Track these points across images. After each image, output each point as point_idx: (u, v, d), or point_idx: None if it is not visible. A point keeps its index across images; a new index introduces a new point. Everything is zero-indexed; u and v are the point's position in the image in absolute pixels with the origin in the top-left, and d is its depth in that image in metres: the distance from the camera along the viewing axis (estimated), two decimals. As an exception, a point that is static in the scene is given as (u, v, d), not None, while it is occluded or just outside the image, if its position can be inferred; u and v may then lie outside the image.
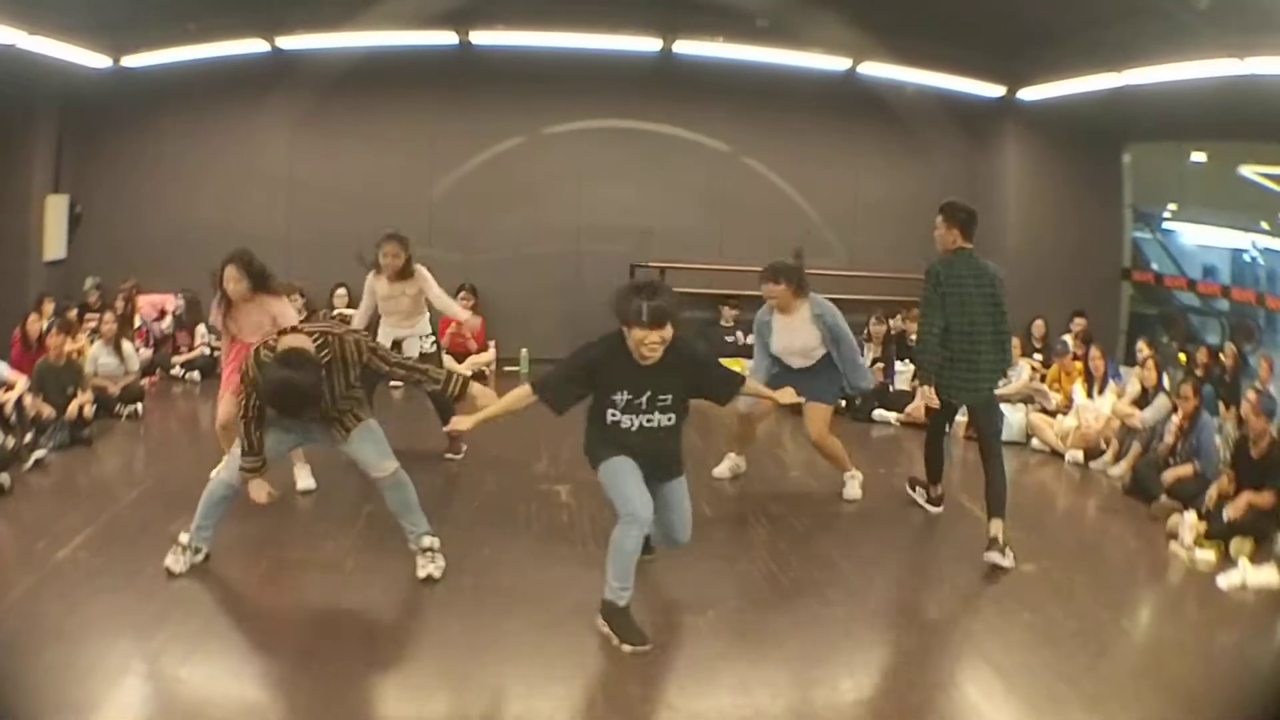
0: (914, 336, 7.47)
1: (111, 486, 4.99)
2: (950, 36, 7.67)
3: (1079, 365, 6.78)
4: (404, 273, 5.24)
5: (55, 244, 8.22)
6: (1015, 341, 7.00)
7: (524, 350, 8.40)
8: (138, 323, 7.77)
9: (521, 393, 3.43)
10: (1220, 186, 8.50)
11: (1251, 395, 4.84)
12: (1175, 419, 5.39)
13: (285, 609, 3.59)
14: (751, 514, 4.74)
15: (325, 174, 8.65)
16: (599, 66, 8.28)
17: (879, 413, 7.11)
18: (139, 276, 7.94)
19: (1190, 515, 4.54)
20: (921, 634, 3.54)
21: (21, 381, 5.51)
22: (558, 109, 8.73)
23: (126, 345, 6.76)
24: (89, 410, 5.73)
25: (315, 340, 3.52)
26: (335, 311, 8.22)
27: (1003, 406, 6.61)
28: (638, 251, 8.73)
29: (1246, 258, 8.57)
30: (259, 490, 3.66)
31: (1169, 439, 5.37)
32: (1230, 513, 4.46)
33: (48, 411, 5.48)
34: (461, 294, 8.17)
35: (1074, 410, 6.34)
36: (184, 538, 3.74)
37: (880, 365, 7.46)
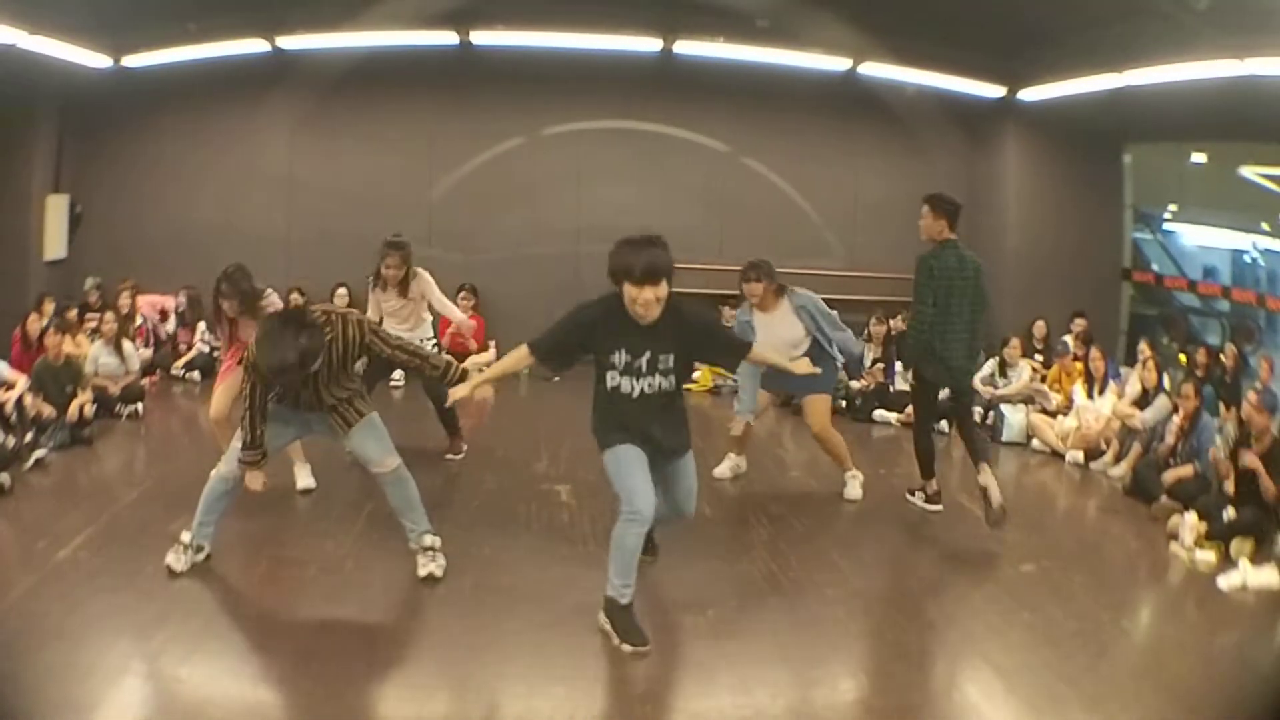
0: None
1: (112, 486, 5.00)
2: (950, 37, 7.67)
3: (1079, 366, 6.78)
4: (405, 283, 5.24)
5: (55, 244, 8.22)
6: (1016, 342, 7.02)
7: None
8: (139, 320, 7.77)
9: (520, 353, 3.35)
10: (1220, 187, 8.50)
11: (1253, 395, 4.83)
12: (1176, 420, 5.39)
13: (285, 608, 3.59)
14: (752, 514, 4.74)
15: (325, 174, 8.65)
16: (599, 67, 8.28)
17: (879, 413, 7.11)
18: (139, 276, 7.94)
19: (1191, 516, 4.54)
20: (922, 634, 3.54)
21: (22, 381, 5.51)
22: (558, 109, 8.73)
23: (127, 345, 6.75)
24: (89, 410, 5.73)
25: (319, 318, 3.51)
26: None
27: (1003, 407, 6.66)
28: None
29: (1247, 258, 8.57)
30: (254, 479, 3.65)
31: (1170, 440, 5.37)
32: (1247, 461, 4.49)
33: (48, 411, 5.48)
34: (461, 294, 8.17)
35: (1074, 411, 6.34)
36: (185, 536, 3.75)
37: (880, 366, 7.46)
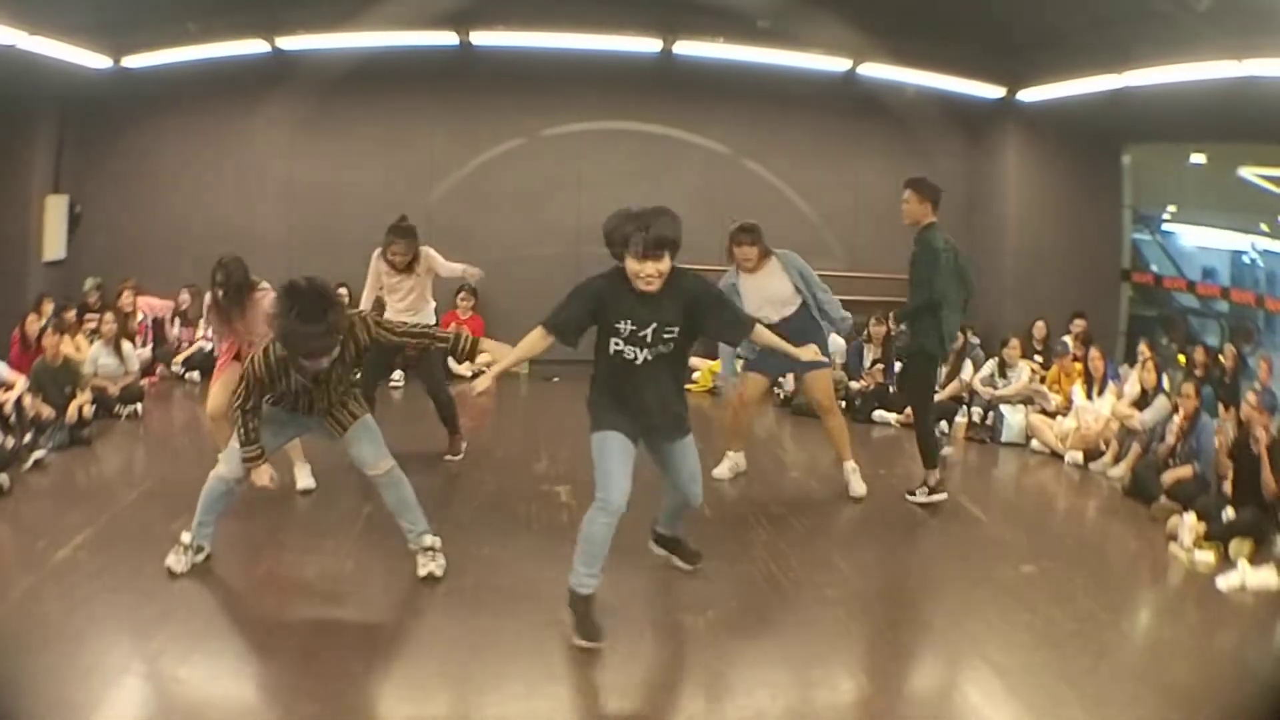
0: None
1: (111, 487, 5.00)
2: (950, 38, 7.67)
3: (1079, 366, 6.78)
4: (411, 266, 5.32)
5: (55, 244, 8.21)
6: (1015, 342, 7.03)
7: (524, 351, 8.40)
8: (139, 317, 7.77)
9: (535, 336, 3.31)
10: (1220, 188, 8.51)
11: (1252, 396, 4.84)
12: (1176, 420, 5.39)
13: (285, 609, 3.59)
14: (752, 514, 4.74)
15: (325, 174, 8.64)
16: (599, 68, 8.28)
17: (879, 414, 7.11)
18: (138, 277, 7.93)
19: (1190, 517, 4.54)
20: (921, 635, 3.55)
21: (21, 382, 5.51)
22: (557, 110, 8.73)
23: (126, 346, 6.75)
24: (88, 410, 5.73)
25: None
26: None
27: (1002, 408, 6.66)
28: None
29: (1246, 259, 8.57)
30: (260, 475, 3.62)
31: (1170, 440, 5.37)
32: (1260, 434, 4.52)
33: (47, 412, 5.48)
34: (461, 295, 8.18)
35: (1073, 411, 6.34)
36: (186, 537, 3.74)
37: (880, 366, 7.46)
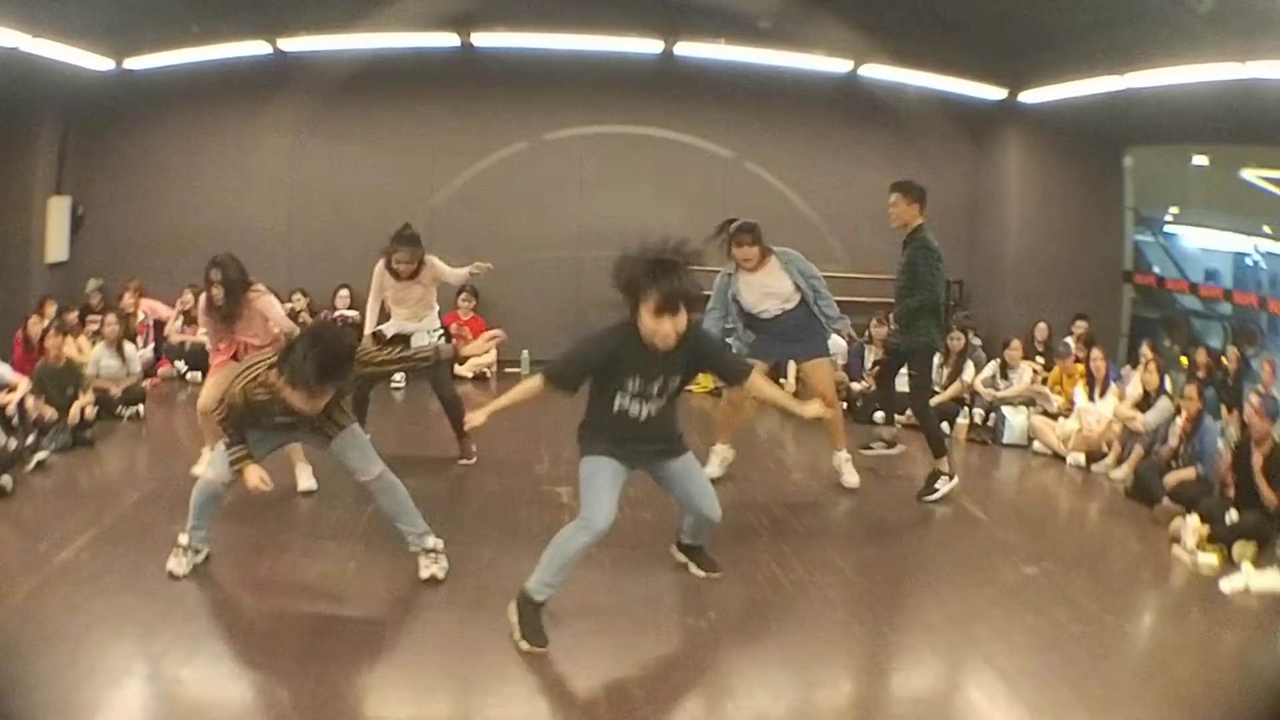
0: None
1: (113, 488, 5.00)
2: (952, 39, 7.67)
3: (1081, 368, 6.78)
4: (415, 275, 5.32)
5: (57, 246, 8.23)
6: (1017, 344, 7.02)
7: (525, 352, 8.41)
8: (140, 317, 7.78)
9: (534, 384, 3.24)
10: (1222, 190, 8.51)
11: (1255, 398, 4.83)
12: (1179, 422, 5.38)
13: (287, 610, 3.58)
14: (753, 515, 4.73)
15: (327, 176, 8.66)
16: (600, 69, 8.29)
17: (880, 415, 7.10)
18: (140, 279, 7.95)
19: (1193, 519, 4.53)
20: (924, 636, 3.54)
21: (23, 383, 5.51)
22: (559, 112, 8.73)
23: (128, 347, 6.77)
24: (90, 412, 5.73)
25: None
26: (337, 313, 8.24)
27: (1004, 409, 6.66)
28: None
29: (1249, 261, 8.58)
30: (253, 476, 3.53)
31: (1173, 442, 5.36)
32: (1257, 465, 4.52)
33: (49, 413, 5.48)
34: (462, 296, 8.18)
35: (1076, 413, 6.34)
36: (183, 539, 3.74)
37: (881, 368, 7.45)
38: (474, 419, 3.33)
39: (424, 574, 3.76)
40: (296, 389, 3.26)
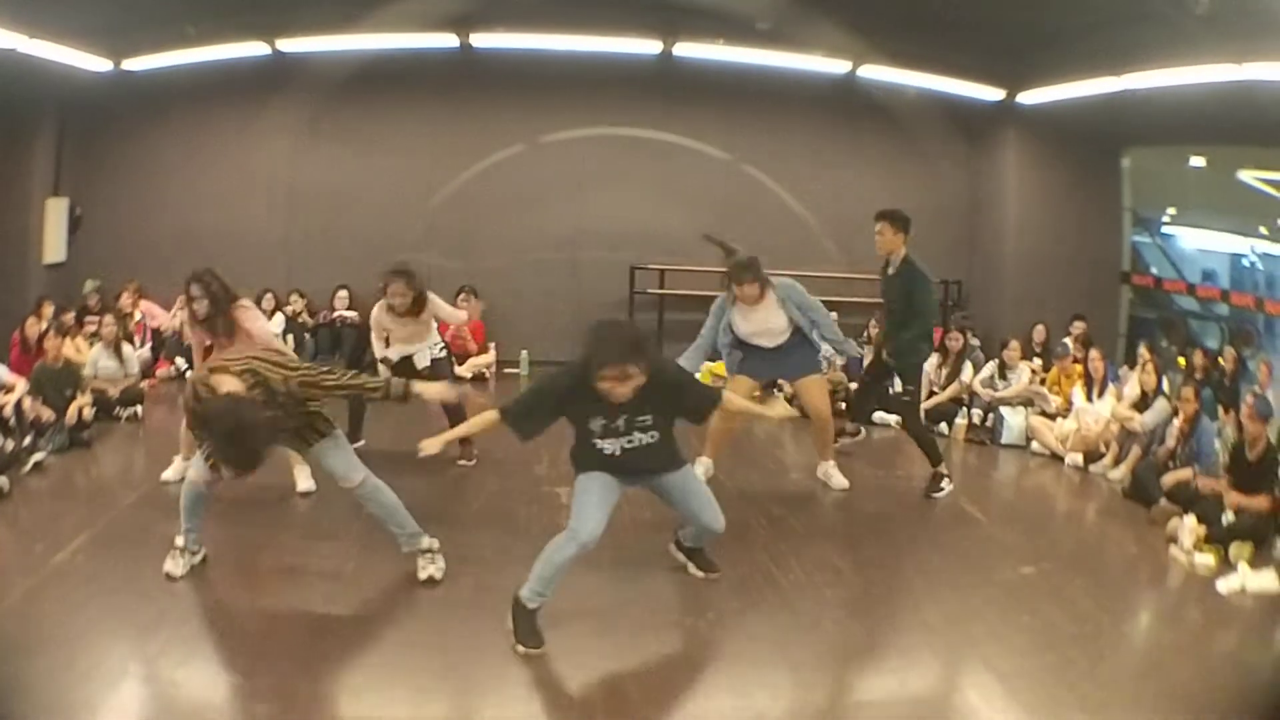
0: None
1: (111, 489, 4.99)
2: (950, 40, 7.68)
3: (1079, 368, 6.78)
4: (414, 307, 5.22)
5: (55, 247, 8.22)
6: (1015, 344, 7.03)
7: (524, 353, 8.42)
8: (137, 317, 7.77)
9: (489, 418, 3.36)
10: (1219, 191, 8.52)
11: (1249, 399, 4.84)
12: (1176, 423, 5.38)
13: (285, 611, 3.58)
14: (752, 515, 4.73)
15: (326, 177, 8.65)
16: (599, 71, 8.29)
17: (879, 415, 7.10)
18: (139, 280, 7.94)
19: (1190, 519, 4.53)
20: (921, 636, 3.54)
21: (21, 384, 5.51)
22: (557, 114, 8.73)
23: (126, 348, 6.76)
24: (88, 413, 5.73)
25: (244, 378, 3.35)
26: (336, 313, 8.24)
27: (1002, 409, 6.66)
28: (638, 255, 8.76)
29: (1245, 262, 8.58)
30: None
31: (1170, 443, 5.37)
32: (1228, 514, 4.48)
33: (47, 414, 5.48)
34: (461, 295, 8.17)
35: (1074, 413, 6.34)
36: (179, 540, 3.74)
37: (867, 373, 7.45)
38: (428, 447, 3.36)
39: (422, 575, 3.76)
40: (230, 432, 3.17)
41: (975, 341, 7.55)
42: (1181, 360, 7.30)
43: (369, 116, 8.59)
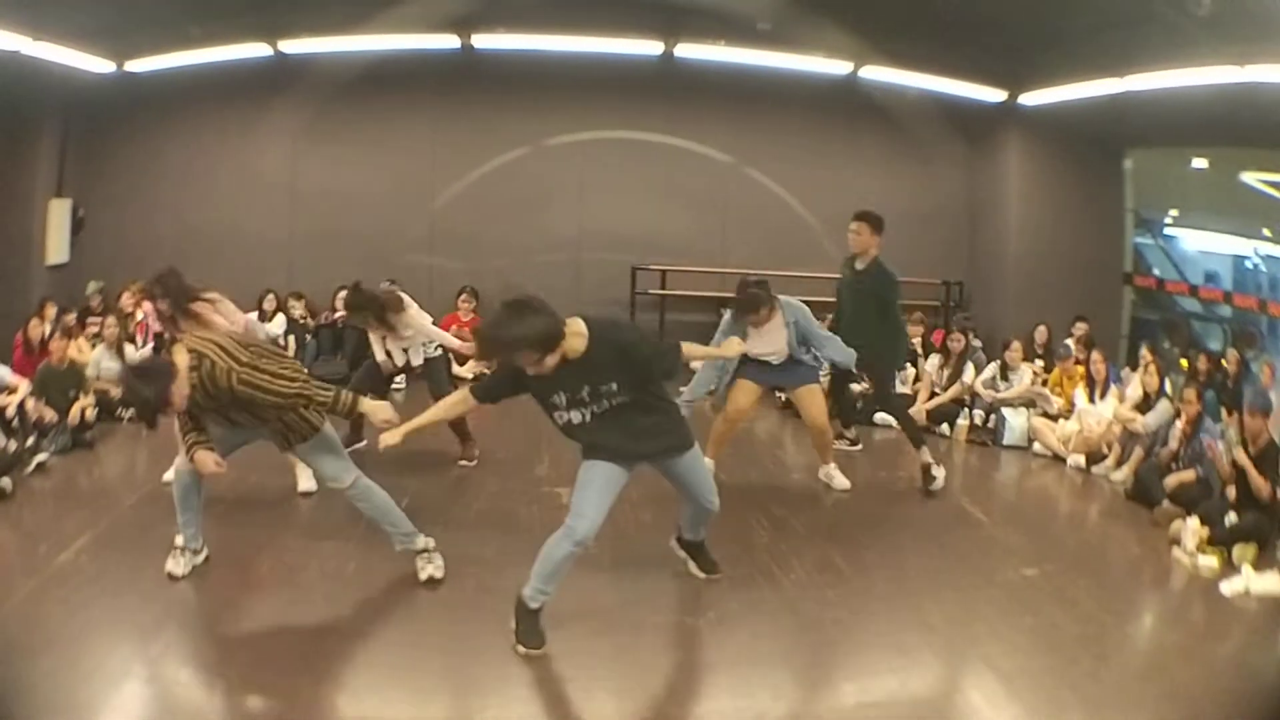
0: (915, 340, 7.51)
1: (113, 490, 5.00)
2: (952, 41, 7.68)
3: (1080, 370, 6.77)
4: (378, 323, 5.27)
5: (58, 248, 8.23)
6: (1017, 346, 7.03)
7: (525, 354, 8.41)
8: (139, 317, 7.78)
9: (459, 395, 3.39)
10: (1222, 193, 8.51)
11: (1248, 395, 4.84)
12: (1179, 424, 5.38)
13: (286, 611, 3.58)
14: (753, 515, 4.73)
15: (328, 179, 8.67)
16: (600, 72, 8.30)
17: (880, 416, 7.10)
18: (141, 281, 7.94)
19: (1193, 521, 4.52)
20: (923, 637, 3.53)
21: (24, 385, 5.52)
22: (559, 115, 8.75)
23: (129, 349, 6.76)
24: (91, 414, 5.74)
25: (192, 357, 3.32)
26: (337, 314, 8.24)
27: (1004, 411, 6.66)
28: (640, 257, 8.77)
29: (1248, 264, 8.58)
30: (206, 461, 3.44)
31: (1173, 444, 5.36)
32: (1238, 458, 4.58)
33: (50, 415, 5.49)
34: (462, 296, 8.18)
35: (1076, 415, 6.33)
36: (179, 540, 3.74)
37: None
38: (387, 439, 3.33)
39: (422, 575, 3.76)
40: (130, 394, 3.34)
41: (977, 343, 7.54)
42: (1184, 362, 7.30)
43: (371, 118, 8.60)
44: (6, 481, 4.71)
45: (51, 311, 6.97)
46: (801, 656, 3.33)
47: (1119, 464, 5.83)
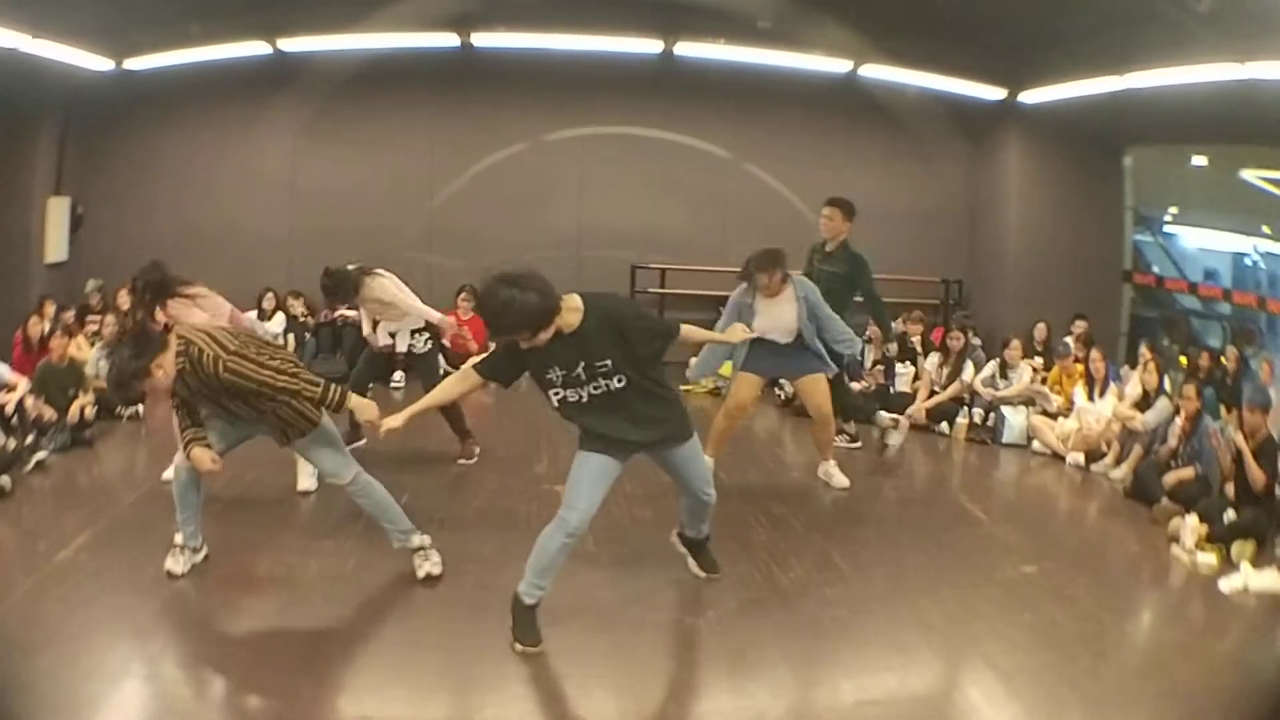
0: (914, 338, 7.52)
1: (112, 488, 5.00)
2: (952, 39, 7.68)
3: (1080, 368, 6.77)
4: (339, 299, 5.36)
5: (57, 246, 8.23)
6: (1016, 343, 7.03)
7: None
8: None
9: (461, 374, 3.37)
10: (1221, 190, 8.51)
11: (1246, 391, 4.84)
12: (1178, 422, 5.38)
13: (285, 609, 3.58)
14: (752, 515, 4.73)
15: (327, 177, 8.68)
16: (600, 69, 8.30)
17: (880, 415, 7.10)
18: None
19: (1192, 518, 4.53)
20: (922, 635, 3.54)
21: (23, 383, 5.51)
22: (558, 113, 8.75)
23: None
24: (90, 412, 5.74)
25: (179, 344, 3.37)
26: (336, 313, 8.24)
27: (1004, 409, 6.66)
28: (639, 254, 8.76)
29: (1248, 261, 8.58)
30: (203, 459, 3.46)
31: (1172, 442, 5.36)
32: (1237, 441, 4.57)
33: (49, 413, 5.49)
34: (462, 295, 8.18)
35: (1075, 413, 6.34)
36: (178, 538, 3.74)
37: (880, 368, 7.46)
38: (390, 422, 3.30)
39: (419, 573, 3.76)
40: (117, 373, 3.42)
41: (976, 341, 7.54)
42: (1183, 359, 7.30)
43: (370, 116, 8.60)
44: (6, 479, 4.71)
45: (50, 309, 6.97)
46: (800, 655, 3.33)
47: (1118, 462, 5.84)
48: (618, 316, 3.13)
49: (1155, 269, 8.96)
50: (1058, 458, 6.25)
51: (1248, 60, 6.09)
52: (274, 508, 4.54)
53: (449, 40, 7.97)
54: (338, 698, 2.98)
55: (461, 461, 5.45)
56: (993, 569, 4.23)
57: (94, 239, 8.43)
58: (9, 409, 5.33)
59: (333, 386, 3.51)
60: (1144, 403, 5.89)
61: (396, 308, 5.30)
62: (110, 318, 6.81)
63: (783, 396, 7.41)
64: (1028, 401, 6.76)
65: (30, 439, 5.24)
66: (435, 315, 5.45)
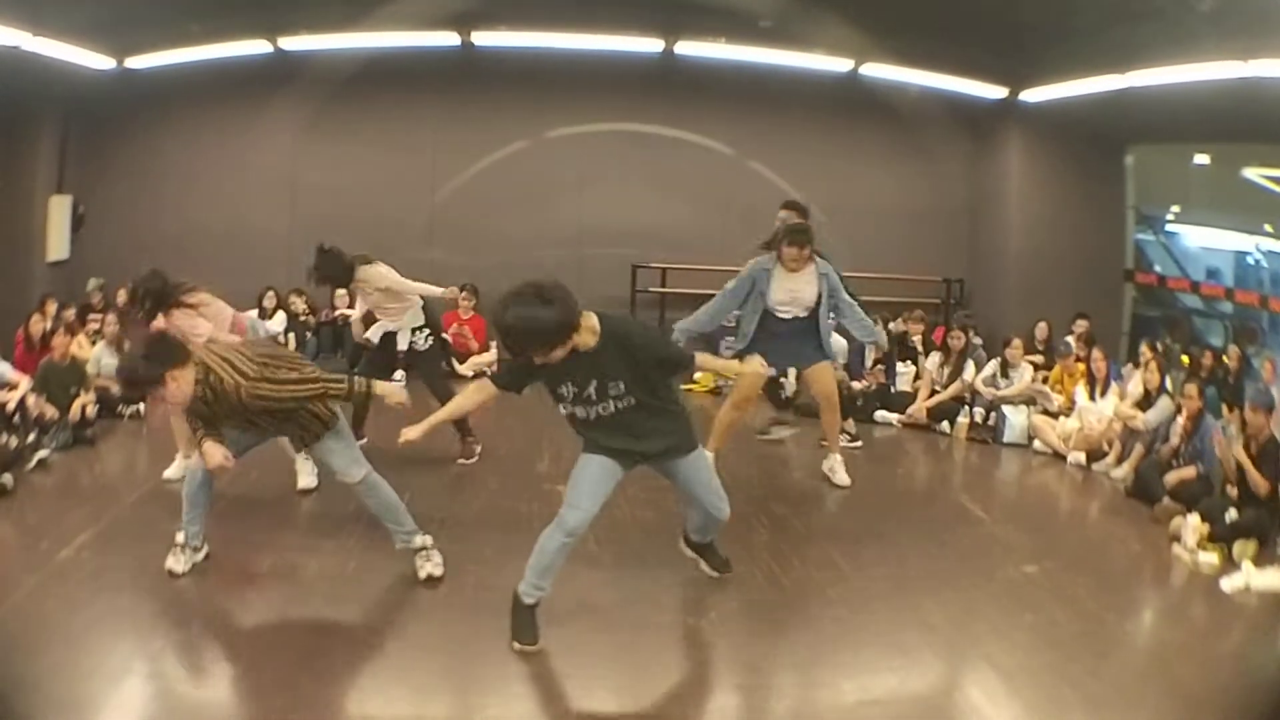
0: (915, 337, 7.51)
1: (114, 486, 5.01)
2: (953, 38, 7.67)
3: (1081, 367, 6.77)
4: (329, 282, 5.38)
5: (58, 245, 8.24)
6: (1018, 343, 7.03)
7: (526, 351, 8.41)
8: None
9: (478, 384, 3.38)
10: (1223, 189, 8.49)
11: (1250, 391, 4.84)
12: (1180, 421, 5.37)
13: (286, 608, 3.59)
14: (753, 514, 4.73)
15: (328, 175, 8.66)
16: (601, 68, 8.29)
17: (881, 414, 7.10)
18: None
19: (1193, 518, 4.52)
20: (923, 635, 3.54)
21: (25, 382, 5.52)
22: (560, 111, 8.74)
23: (129, 346, 6.76)
24: (92, 410, 5.74)
25: (199, 372, 3.36)
26: (337, 312, 8.24)
27: (1005, 408, 6.66)
28: (640, 253, 8.75)
29: (1250, 260, 8.56)
30: (215, 454, 3.45)
31: (1174, 441, 5.36)
32: (1236, 453, 4.55)
33: (51, 412, 5.49)
34: (463, 294, 8.17)
35: (1076, 412, 6.33)
36: (180, 536, 3.74)
37: (881, 367, 7.45)
38: (409, 434, 3.33)
39: (420, 574, 3.76)
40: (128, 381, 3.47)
41: (977, 340, 7.54)
42: (1185, 358, 7.29)
43: (371, 114, 8.60)
44: (8, 478, 4.72)
45: (52, 308, 6.97)
46: (801, 655, 3.34)
47: (1119, 461, 5.83)
48: (633, 344, 3.15)
49: (1157, 268, 8.95)
50: (1059, 457, 6.24)
51: (1250, 58, 6.09)
52: (275, 507, 4.55)
53: (450, 39, 7.96)
54: (339, 697, 2.98)
55: (462, 461, 5.45)
56: (994, 569, 4.23)
57: (95, 237, 8.43)
58: (11, 407, 5.34)
59: (357, 380, 3.59)
60: (1145, 402, 5.89)
61: (396, 296, 5.29)
62: (112, 316, 6.80)
63: (784, 396, 7.40)
64: (1029, 401, 6.75)
65: (32, 437, 5.25)
66: (436, 290, 5.45)
